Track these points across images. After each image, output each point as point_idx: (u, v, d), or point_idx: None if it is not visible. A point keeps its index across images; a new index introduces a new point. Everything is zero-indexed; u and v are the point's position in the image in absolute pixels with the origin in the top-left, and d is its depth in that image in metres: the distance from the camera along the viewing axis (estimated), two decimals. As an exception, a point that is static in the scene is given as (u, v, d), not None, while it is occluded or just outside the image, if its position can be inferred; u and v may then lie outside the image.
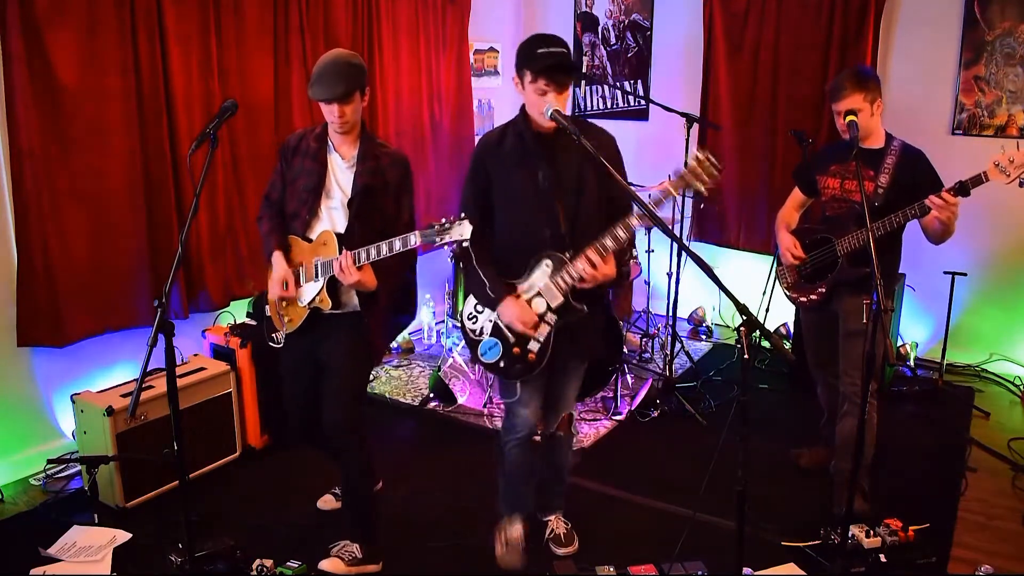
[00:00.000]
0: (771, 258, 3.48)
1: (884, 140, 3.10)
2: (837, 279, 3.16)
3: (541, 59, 2.43)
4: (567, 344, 2.65)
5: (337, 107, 2.62)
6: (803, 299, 3.30)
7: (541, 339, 2.61)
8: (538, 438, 2.92)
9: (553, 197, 2.55)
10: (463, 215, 2.45)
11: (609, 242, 2.46)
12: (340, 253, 2.62)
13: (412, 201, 2.83)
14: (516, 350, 2.64)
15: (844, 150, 3.12)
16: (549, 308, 2.58)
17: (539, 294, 2.59)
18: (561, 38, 2.49)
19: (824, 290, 3.21)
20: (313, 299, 2.74)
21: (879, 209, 3.00)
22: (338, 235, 2.69)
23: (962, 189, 2.83)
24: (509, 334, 2.65)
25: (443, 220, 2.44)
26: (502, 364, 2.67)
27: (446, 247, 2.42)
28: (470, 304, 2.75)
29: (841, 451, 3.18)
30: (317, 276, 2.72)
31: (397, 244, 2.53)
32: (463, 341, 2.80)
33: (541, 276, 2.58)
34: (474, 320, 2.73)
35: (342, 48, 2.77)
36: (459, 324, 2.81)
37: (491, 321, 2.68)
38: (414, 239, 2.49)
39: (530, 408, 2.75)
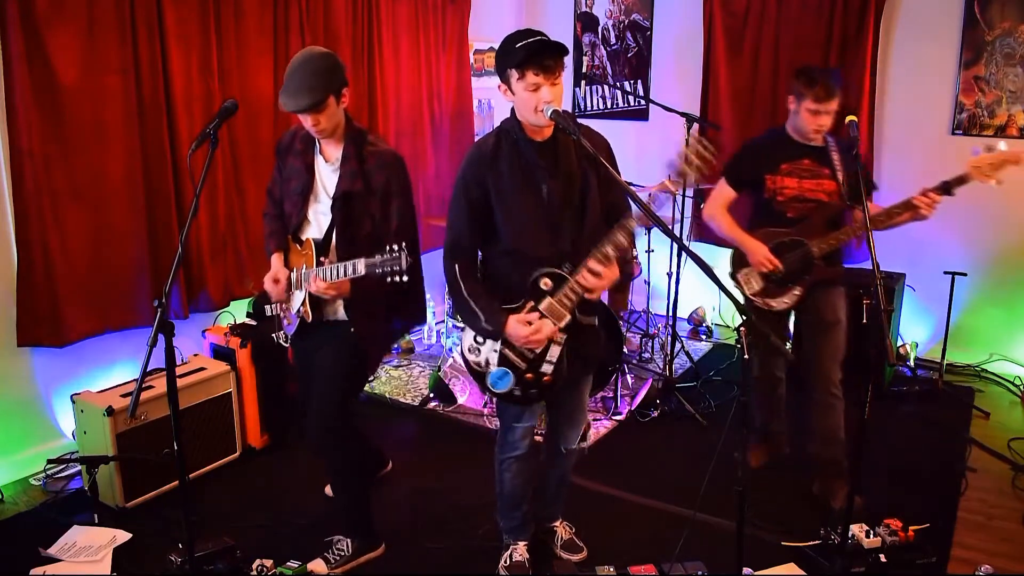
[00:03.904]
0: (731, 259, 3.44)
1: (822, 138, 3.19)
2: (815, 280, 3.19)
3: (521, 51, 2.24)
4: (575, 360, 2.55)
5: (310, 116, 2.49)
6: (773, 303, 3.25)
7: (554, 360, 2.50)
8: (539, 437, 2.90)
9: (558, 211, 2.41)
10: (404, 245, 2.31)
11: (610, 250, 2.35)
12: (316, 262, 2.60)
13: (406, 205, 2.66)
14: (530, 376, 2.51)
15: (785, 146, 3.20)
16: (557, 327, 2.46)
17: (544, 315, 2.44)
18: (538, 30, 2.32)
19: (799, 292, 3.21)
20: (299, 308, 2.73)
21: (847, 206, 3.15)
22: (315, 241, 2.63)
23: (946, 189, 2.94)
24: (519, 361, 2.50)
25: (387, 249, 2.32)
26: (517, 392, 2.53)
27: (394, 279, 2.35)
28: (469, 336, 2.57)
29: (823, 439, 3.25)
30: (301, 285, 2.68)
31: (348, 269, 2.44)
32: (450, 357, 2.66)
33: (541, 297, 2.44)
34: (476, 352, 2.56)
35: (319, 48, 2.63)
36: (462, 358, 2.63)
37: (495, 351, 2.52)
38: (361, 268, 2.38)
39: (529, 427, 2.70)
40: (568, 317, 2.45)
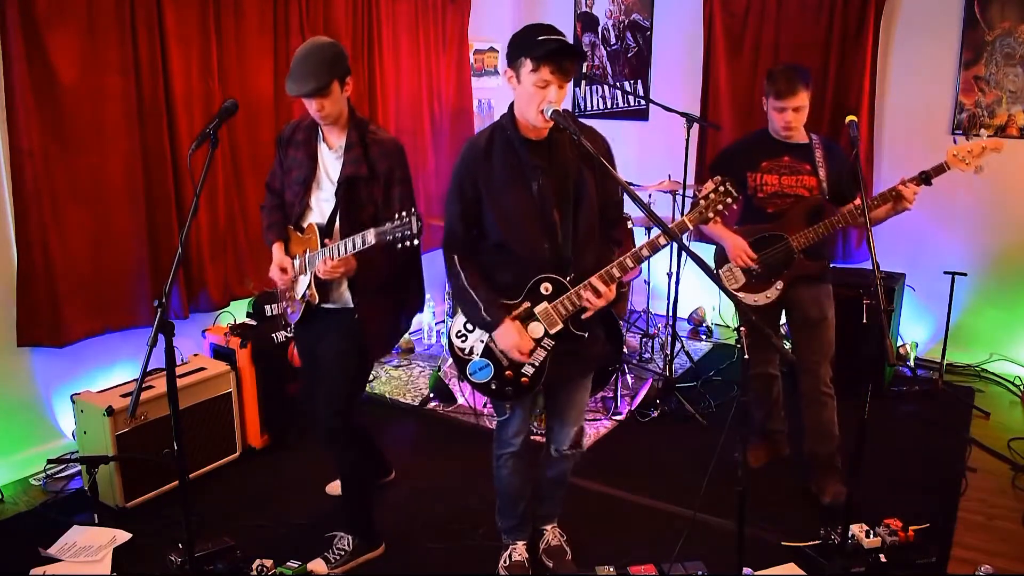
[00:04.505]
0: (714, 255, 3.48)
1: (806, 135, 3.22)
2: (796, 274, 3.21)
3: (543, 44, 2.22)
4: (569, 359, 2.52)
5: (315, 101, 2.56)
6: (756, 297, 3.28)
7: (536, 364, 2.48)
8: (540, 437, 2.89)
9: (550, 209, 2.39)
10: (414, 210, 2.35)
11: (616, 271, 2.35)
12: (320, 244, 2.63)
13: (407, 191, 2.70)
14: (509, 373, 2.51)
15: (765, 145, 3.23)
16: (547, 333, 2.45)
17: (536, 319, 2.45)
18: (559, 29, 2.30)
19: (781, 287, 3.24)
20: (304, 293, 2.75)
21: (827, 202, 3.18)
22: (319, 226, 2.67)
23: (926, 179, 2.96)
24: (502, 357, 2.50)
25: (397, 216, 2.35)
26: (493, 386, 2.54)
27: (406, 244, 2.37)
28: (459, 321, 2.58)
29: (815, 436, 3.28)
30: (305, 269, 2.72)
31: (358, 241, 2.47)
32: (450, 357, 2.67)
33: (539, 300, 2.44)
34: (463, 338, 2.57)
35: (324, 37, 2.67)
36: (447, 340, 2.64)
37: (482, 342, 2.52)
38: (371, 237, 2.42)
39: (522, 421, 2.68)
40: (560, 326, 2.44)
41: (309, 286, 2.71)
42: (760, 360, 3.46)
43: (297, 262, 2.75)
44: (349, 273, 2.64)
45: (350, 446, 2.83)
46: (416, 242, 2.35)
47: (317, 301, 2.71)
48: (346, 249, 2.52)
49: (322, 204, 2.72)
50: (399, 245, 2.35)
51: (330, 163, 2.71)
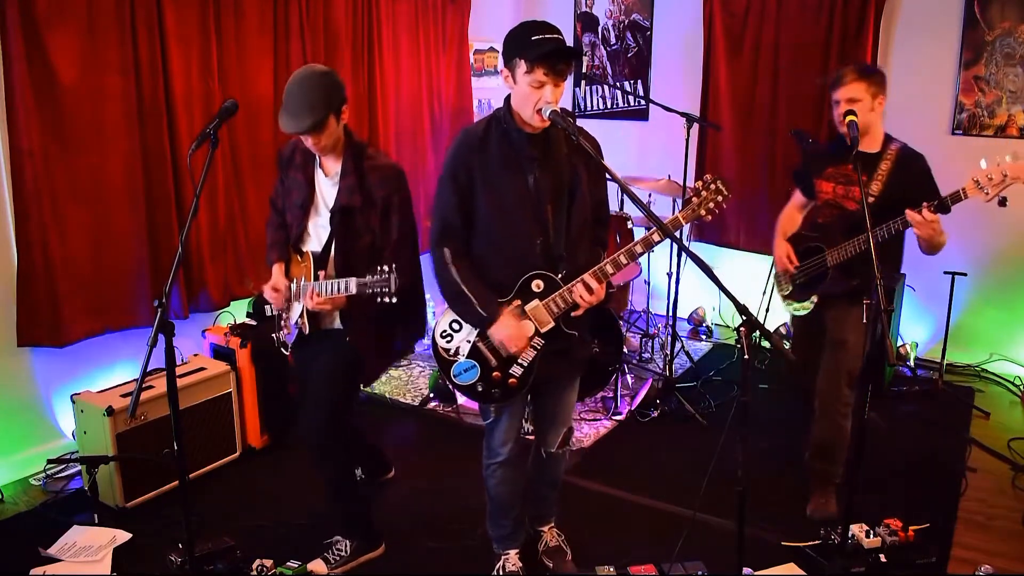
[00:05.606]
0: (771, 259, 3.44)
1: (881, 143, 3.02)
2: (827, 291, 3.12)
3: (537, 45, 2.19)
4: (558, 359, 2.50)
5: (310, 137, 2.52)
6: (797, 307, 3.27)
7: (525, 363, 2.45)
8: (530, 436, 2.86)
9: (544, 203, 2.37)
10: (395, 267, 2.36)
11: (610, 268, 2.34)
12: (313, 276, 2.62)
13: (407, 217, 2.68)
14: (496, 375, 2.47)
15: (841, 150, 3.04)
16: (537, 332, 2.42)
17: (527, 317, 2.41)
18: (556, 26, 2.26)
19: (816, 300, 3.18)
20: (297, 320, 2.76)
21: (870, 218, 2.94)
22: (314, 255, 2.65)
23: (941, 206, 2.76)
24: (491, 357, 2.46)
25: (379, 270, 2.38)
26: (479, 388, 2.49)
27: (383, 300, 2.40)
28: (444, 321, 2.53)
29: (815, 450, 3.24)
30: (300, 296, 2.70)
31: (340, 286, 2.48)
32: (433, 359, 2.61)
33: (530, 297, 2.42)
34: (448, 339, 2.51)
35: (318, 66, 2.61)
36: (431, 341, 2.58)
37: (469, 341, 2.48)
38: (352, 287, 2.43)
39: (509, 428, 2.63)
40: (551, 324, 2.42)
41: (301, 315, 2.72)
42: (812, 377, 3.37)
43: (293, 287, 2.73)
44: (338, 307, 2.65)
45: (332, 466, 2.81)
46: (393, 300, 2.35)
47: (308, 331, 2.73)
48: (331, 291, 2.52)
49: (319, 230, 2.70)
50: (377, 299, 2.36)
51: (326, 189, 2.68)
